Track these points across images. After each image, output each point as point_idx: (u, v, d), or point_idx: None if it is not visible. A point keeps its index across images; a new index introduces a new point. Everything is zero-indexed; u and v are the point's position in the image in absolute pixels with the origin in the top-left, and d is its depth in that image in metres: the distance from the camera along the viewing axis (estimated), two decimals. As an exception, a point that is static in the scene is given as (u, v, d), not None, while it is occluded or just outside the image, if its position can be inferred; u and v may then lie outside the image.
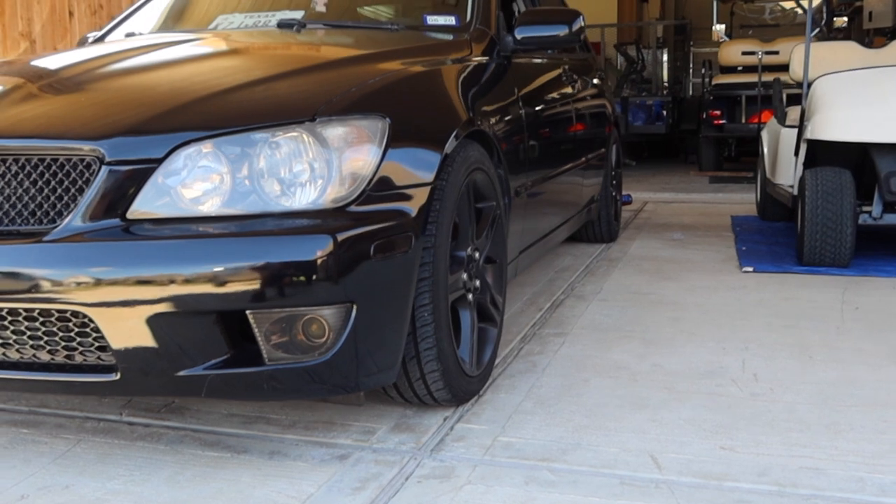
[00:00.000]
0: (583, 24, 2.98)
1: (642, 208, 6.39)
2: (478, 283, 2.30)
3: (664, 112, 9.30)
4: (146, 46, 2.54)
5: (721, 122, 8.27)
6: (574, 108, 3.70)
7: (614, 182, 4.85)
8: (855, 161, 4.07)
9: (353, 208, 1.79)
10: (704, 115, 8.47)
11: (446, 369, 2.05)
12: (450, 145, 2.07)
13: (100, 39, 3.21)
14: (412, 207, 1.89)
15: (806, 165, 4.24)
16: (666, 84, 12.03)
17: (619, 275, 3.90)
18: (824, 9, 8.35)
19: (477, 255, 2.30)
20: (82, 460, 1.95)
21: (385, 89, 1.99)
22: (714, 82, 8.65)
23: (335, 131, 1.81)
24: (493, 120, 2.50)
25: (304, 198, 1.77)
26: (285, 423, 2.14)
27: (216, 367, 1.73)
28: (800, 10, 12.15)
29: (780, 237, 4.86)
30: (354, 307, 1.75)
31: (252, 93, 1.92)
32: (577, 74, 3.94)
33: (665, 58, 12.29)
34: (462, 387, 2.15)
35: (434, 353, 2.00)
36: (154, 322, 1.68)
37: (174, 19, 3.26)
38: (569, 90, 3.65)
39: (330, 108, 1.83)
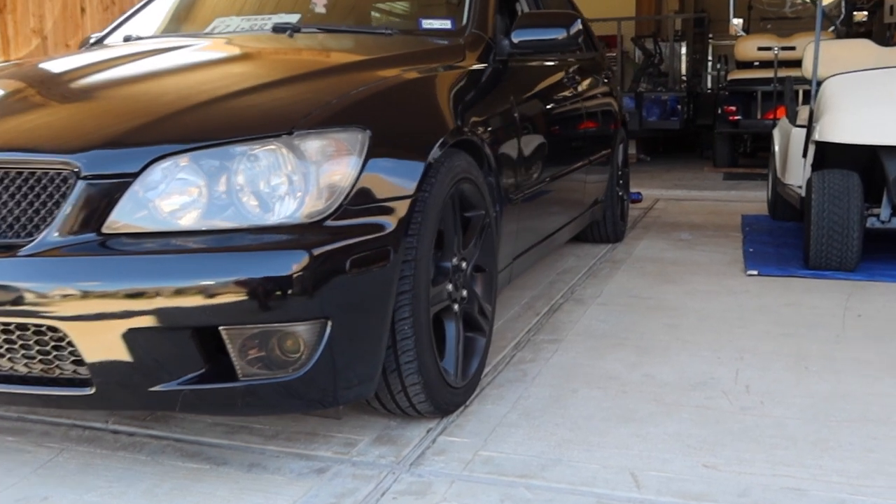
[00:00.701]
0: (580, 27, 2.95)
1: (653, 206, 6.34)
2: (465, 293, 2.28)
3: (679, 107, 9.22)
4: (134, 54, 2.54)
5: (736, 117, 8.18)
6: (576, 110, 3.66)
7: (621, 181, 4.81)
8: (864, 163, 4.01)
9: (330, 223, 1.78)
10: (719, 111, 8.38)
11: (428, 382, 2.03)
12: (433, 156, 2.05)
13: (100, 41, 3.22)
14: (391, 221, 1.87)
15: (815, 167, 4.18)
16: (684, 78, 11.92)
17: (622, 277, 3.87)
18: (842, 3, 8.22)
19: (464, 265, 2.28)
20: (63, 470, 1.96)
21: (367, 100, 1.98)
22: (729, 77, 8.55)
23: (313, 145, 1.80)
24: (484, 127, 2.47)
25: (282, 212, 1.76)
26: (268, 433, 2.13)
27: (190, 382, 1.73)
28: (825, 1, 11.99)
29: (790, 238, 4.80)
30: (329, 323, 1.74)
31: (231, 105, 1.91)
32: (580, 74, 3.90)
33: (683, 51, 12.18)
34: (445, 399, 2.14)
35: (415, 366, 1.99)
36: (129, 337, 1.68)
37: (173, 21, 3.26)
38: (570, 91, 3.62)
39: (308, 122, 1.82)
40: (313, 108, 1.87)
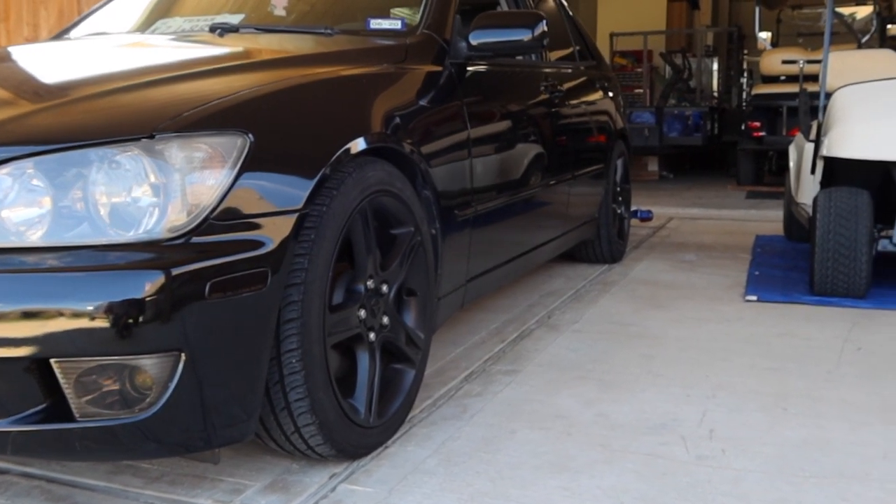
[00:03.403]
0: (545, 28, 2.69)
1: (664, 225, 6.03)
2: (385, 319, 2.03)
3: (703, 122, 8.86)
4: (40, 51, 2.34)
5: (760, 133, 7.83)
6: (554, 122, 3.40)
7: (620, 198, 4.53)
8: (876, 181, 3.68)
9: (197, 239, 1.54)
10: (743, 127, 8.03)
11: (325, 422, 1.78)
12: (334, 165, 1.80)
13: (56, 37, 3.07)
14: (270, 238, 1.63)
15: (824, 185, 3.86)
16: (716, 94, 11.55)
17: (608, 301, 3.59)
18: (873, 18, 7.84)
19: (385, 287, 2.03)
20: None
21: (254, 101, 1.74)
22: (754, 92, 8.20)
23: (177, 150, 1.56)
24: (419, 136, 2.23)
25: (140, 227, 1.53)
26: (153, 474, 1.90)
27: (27, 420, 1.50)
28: (857, 16, 11.57)
29: (802, 261, 4.46)
30: (183, 356, 1.50)
31: (96, 104, 1.68)
32: (564, 83, 3.63)
33: (715, 67, 11.81)
34: (352, 440, 1.88)
35: (307, 404, 1.74)
36: (-48, 368, 1.46)
37: (121, 21, 3.07)
38: (547, 102, 3.35)
39: (175, 124, 1.58)
40: (187, 108, 1.63)
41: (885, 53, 4.87)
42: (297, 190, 1.70)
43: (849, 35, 8.63)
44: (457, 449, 2.03)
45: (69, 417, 1.50)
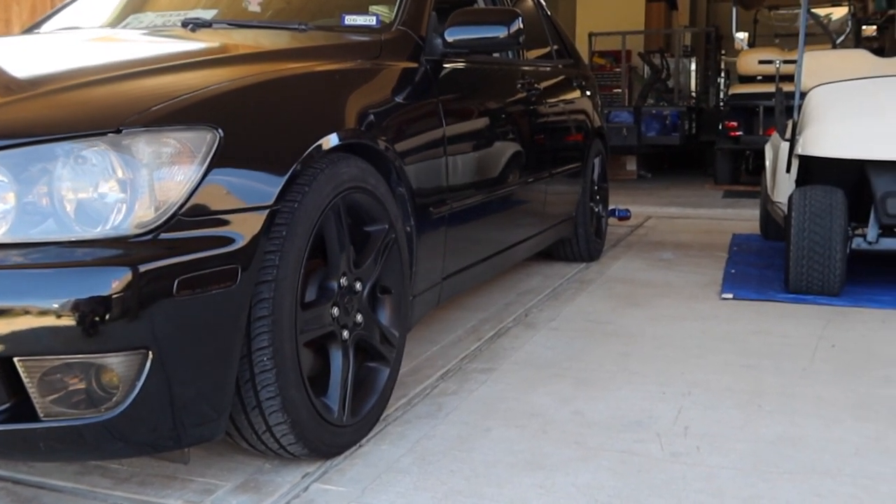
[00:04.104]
0: (521, 25, 2.68)
1: (642, 224, 6.04)
2: (359, 317, 2.01)
3: (680, 122, 8.90)
4: (11, 45, 2.30)
5: (737, 133, 7.87)
6: (532, 119, 3.39)
7: (597, 197, 4.53)
8: (851, 180, 3.70)
9: (163, 236, 1.52)
10: (720, 126, 8.07)
11: (297, 421, 1.76)
12: (304, 162, 1.78)
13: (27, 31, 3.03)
14: (241, 234, 1.61)
15: (799, 183, 3.88)
16: (693, 93, 11.60)
17: (585, 300, 3.58)
18: (849, 19, 7.90)
19: (358, 285, 2.01)
20: None
21: (224, 96, 1.71)
22: (731, 92, 8.24)
23: (144, 145, 1.54)
24: (393, 132, 2.21)
25: (106, 223, 1.51)
26: (122, 475, 1.87)
27: (-11, 420, 1.47)
28: (833, 17, 11.65)
29: (777, 259, 4.49)
30: (150, 354, 1.48)
31: (62, 98, 1.65)
32: (541, 82, 3.63)
33: (693, 67, 11.86)
34: (324, 440, 1.86)
35: (278, 402, 1.72)
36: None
37: (93, 16, 3.03)
38: (524, 100, 3.34)
39: (143, 118, 1.56)
40: (155, 102, 1.61)
41: (859, 53, 4.90)
42: (267, 186, 1.68)
43: (824, 36, 8.69)
44: (431, 447, 2.02)
45: (33, 417, 1.47)
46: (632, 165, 9.40)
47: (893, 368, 2.62)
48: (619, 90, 10.94)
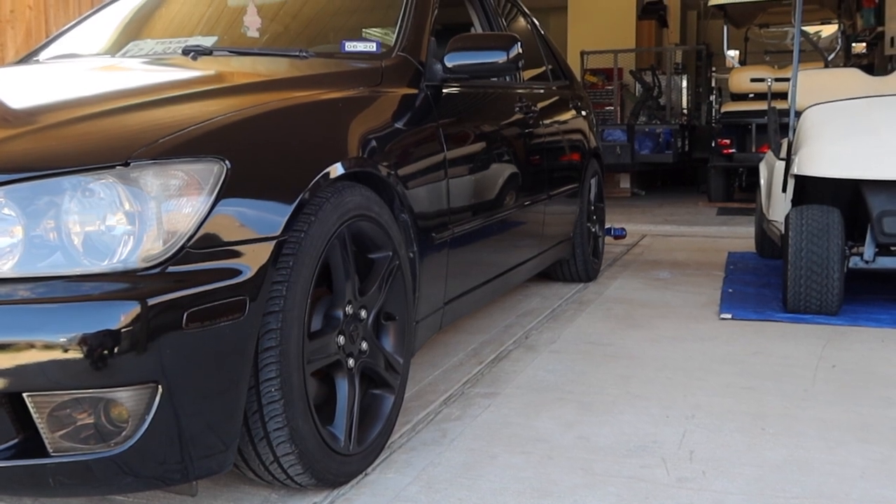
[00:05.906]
0: (520, 50, 2.70)
1: (637, 242, 6.06)
2: (364, 345, 2.01)
3: (673, 140, 8.95)
4: (13, 75, 2.30)
5: (730, 150, 7.91)
6: (530, 141, 3.41)
7: (594, 217, 4.55)
8: (846, 199, 3.72)
9: (172, 268, 1.52)
10: (713, 144, 8.12)
11: (305, 451, 1.76)
12: (311, 191, 1.79)
13: (23, 60, 3.02)
14: (248, 266, 1.61)
15: (795, 202, 3.90)
16: (685, 111, 11.67)
17: (584, 321, 3.59)
18: (839, 36, 7.97)
19: (363, 313, 2.01)
20: None
21: (230, 127, 1.72)
22: (723, 110, 8.30)
23: (152, 178, 1.54)
24: (396, 159, 2.22)
25: (114, 256, 1.51)
26: (128, 507, 1.86)
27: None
28: (823, 34, 11.76)
29: (774, 278, 4.51)
30: (160, 388, 1.48)
31: (69, 131, 1.66)
32: (538, 104, 3.65)
33: (684, 84, 11.93)
34: (332, 469, 1.86)
35: (286, 433, 1.71)
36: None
37: (91, 43, 3.04)
38: (522, 122, 3.36)
39: (150, 151, 1.56)
40: (163, 134, 1.61)
41: (852, 72, 4.95)
42: (275, 216, 1.69)
43: (814, 53, 8.77)
44: (437, 475, 2.01)
45: (42, 452, 1.46)
46: (625, 183, 9.44)
47: (895, 389, 2.63)
48: (611, 108, 11.01)
